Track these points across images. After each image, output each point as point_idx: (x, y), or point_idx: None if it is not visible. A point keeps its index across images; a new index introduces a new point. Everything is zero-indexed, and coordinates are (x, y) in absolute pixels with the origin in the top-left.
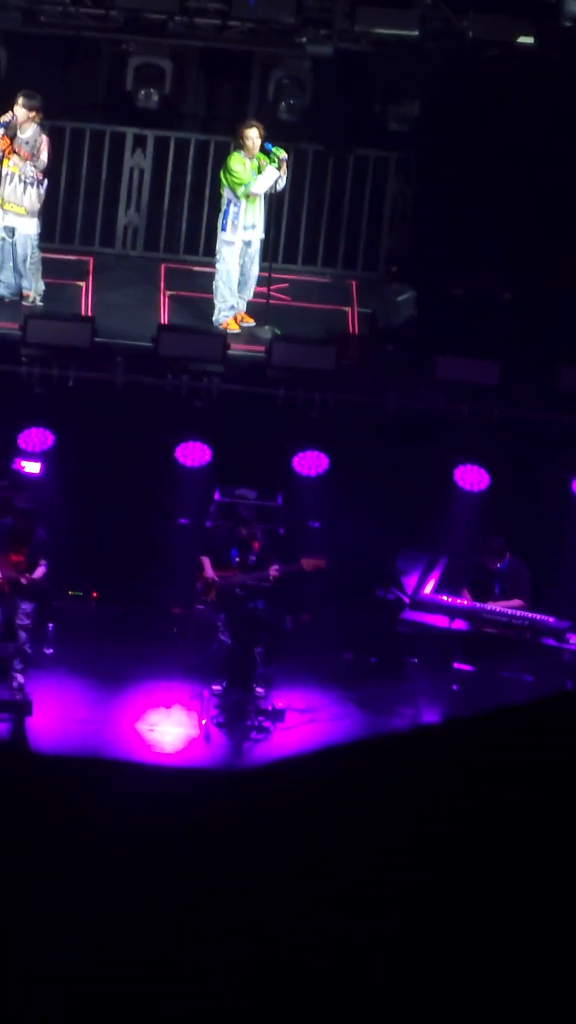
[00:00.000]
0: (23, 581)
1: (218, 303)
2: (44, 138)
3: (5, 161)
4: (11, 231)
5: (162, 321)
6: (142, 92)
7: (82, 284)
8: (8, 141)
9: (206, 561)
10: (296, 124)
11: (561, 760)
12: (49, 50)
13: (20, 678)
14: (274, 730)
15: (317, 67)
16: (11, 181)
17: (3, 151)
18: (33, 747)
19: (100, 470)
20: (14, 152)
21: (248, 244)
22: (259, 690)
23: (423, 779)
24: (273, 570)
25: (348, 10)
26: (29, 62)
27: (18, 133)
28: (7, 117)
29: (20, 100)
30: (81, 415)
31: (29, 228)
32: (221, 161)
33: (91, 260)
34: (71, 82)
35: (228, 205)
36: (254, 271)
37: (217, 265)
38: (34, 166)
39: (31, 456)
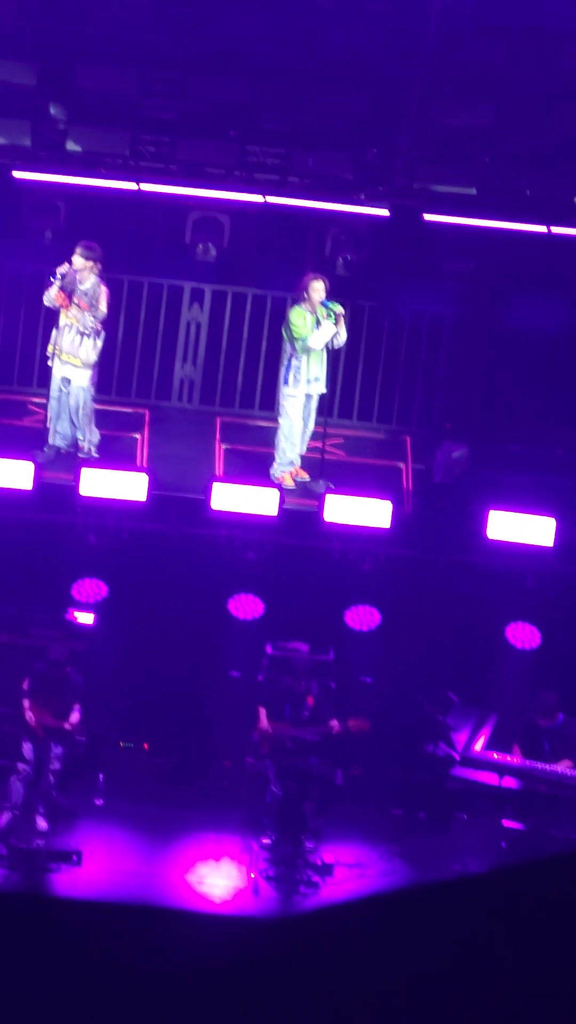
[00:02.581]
0: (67, 727)
1: (278, 456)
2: (103, 288)
3: (64, 313)
4: (67, 382)
5: (217, 474)
6: (200, 246)
7: (138, 436)
8: (64, 295)
9: (262, 712)
10: (352, 279)
11: None
12: (108, 202)
13: (43, 823)
14: (323, 884)
15: (374, 222)
16: (69, 331)
17: (59, 304)
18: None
19: (153, 621)
20: (73, 304)
21: (309, 398)
22: (308, 844)
23: (460, 931)
24: (336, 725)
25: (407, 167)
26: (88, 213)
27: (77, 284)
28: (63, 269)
29: (78, 251)
30: (135, 566)
31: (83, 380)
32: (278, 315)
33: (147, 412)
34: (130, 234)
35: (290, 359)
36: (310, 425)
37: (280, 419)
38: (94, 316)
39: (84, 607)
